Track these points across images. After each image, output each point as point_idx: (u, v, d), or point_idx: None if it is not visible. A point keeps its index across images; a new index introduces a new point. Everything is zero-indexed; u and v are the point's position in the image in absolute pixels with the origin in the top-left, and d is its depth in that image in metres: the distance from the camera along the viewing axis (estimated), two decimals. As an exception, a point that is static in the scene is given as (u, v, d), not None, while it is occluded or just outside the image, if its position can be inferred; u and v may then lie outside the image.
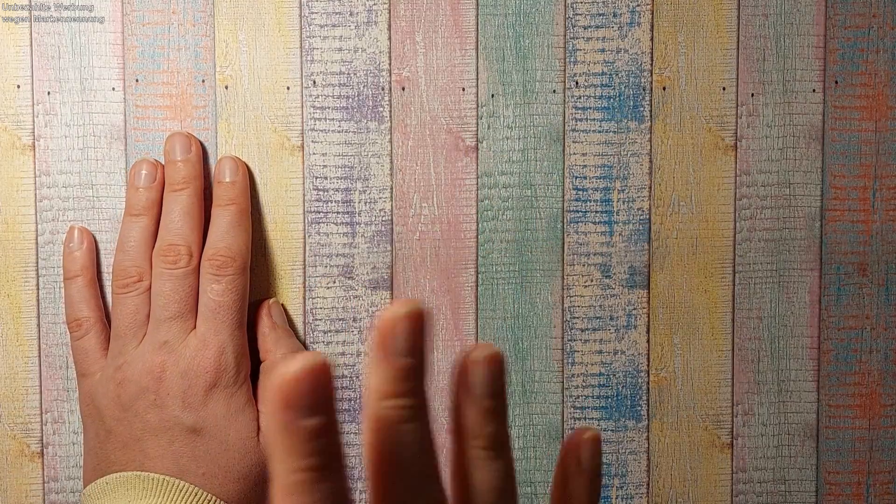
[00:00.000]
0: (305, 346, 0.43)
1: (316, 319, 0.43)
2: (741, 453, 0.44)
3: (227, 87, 0.43)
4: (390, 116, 0.43)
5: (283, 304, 0.42)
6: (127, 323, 0.38)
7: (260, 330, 0.41)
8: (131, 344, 0.38)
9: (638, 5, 0.42)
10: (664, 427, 0.44)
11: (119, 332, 0.38)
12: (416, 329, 0.20)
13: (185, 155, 0.40)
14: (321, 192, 0.43)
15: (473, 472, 0.24)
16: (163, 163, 0.41)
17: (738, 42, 0.43)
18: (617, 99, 0.43)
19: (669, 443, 0.44)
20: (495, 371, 0.23)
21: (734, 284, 0.43)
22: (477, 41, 0.43)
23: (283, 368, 0.19)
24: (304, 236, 0.43)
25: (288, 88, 0.43)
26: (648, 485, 0.44)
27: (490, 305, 0.43)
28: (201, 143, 0.41)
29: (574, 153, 0.43)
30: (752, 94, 0.43)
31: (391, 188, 0.43)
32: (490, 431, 0.24)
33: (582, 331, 0.43)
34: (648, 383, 0.44)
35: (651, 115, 0.43)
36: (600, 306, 0.43)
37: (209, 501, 0.36)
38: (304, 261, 0.43)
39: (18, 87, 0.42)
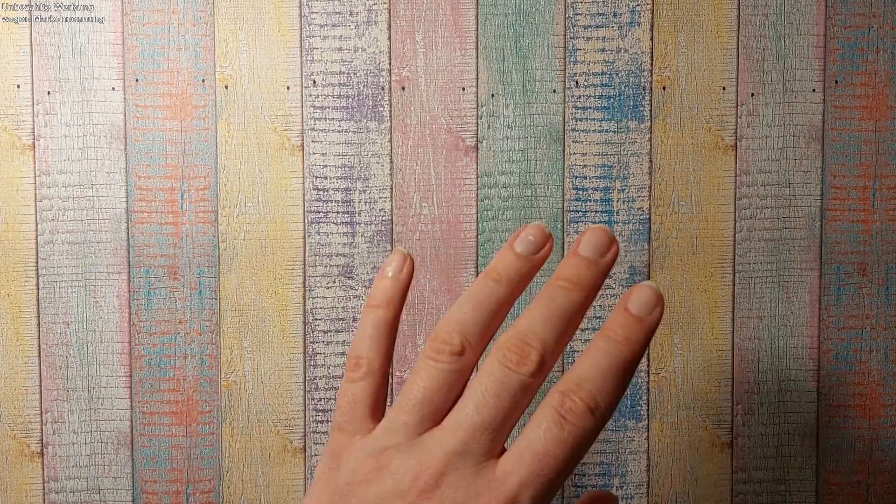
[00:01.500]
0: (304, 350, 0.43)
1: (316, 319, 0.43)
2: (741, 453, 0.44)
3: (227, 87, 0.43)
4: (390, 116, 0.43)
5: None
6: (421, 398, 0.29)
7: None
8: (413, 428, 0.29)
9: (638, 5, 0.42)
10: (664, 427, 0.44)
11: (406, 403, 0.30)
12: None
13: (598, 257, 0.31)
14: (321, 192, 0.43)
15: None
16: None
17: (738, 42, 0.43)
18: (617, 99, 0.43)
19: (669, 443, 0.44)
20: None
21: (734, 284, 0.43)
22: (477, 41, 0.43)
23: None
24: (304, 236, 0.43)
25: (288, 88, 0.43)
26: (648, 485, 0.44)
27: (490, 305, 0.43)
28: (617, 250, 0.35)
29: (574, 153, 0.43)
30: (752, 94, 0.43)
31: (391, 188, 0.43)
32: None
33: (582, 330, 0.43)
34: (648, 383, 0.44)
35: (651, 115, 0.43)
36: (600, 306, 0.43)
37: None
38: (304, 261, 0.43)
39: (18, 87, 0.42)
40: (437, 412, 0.30)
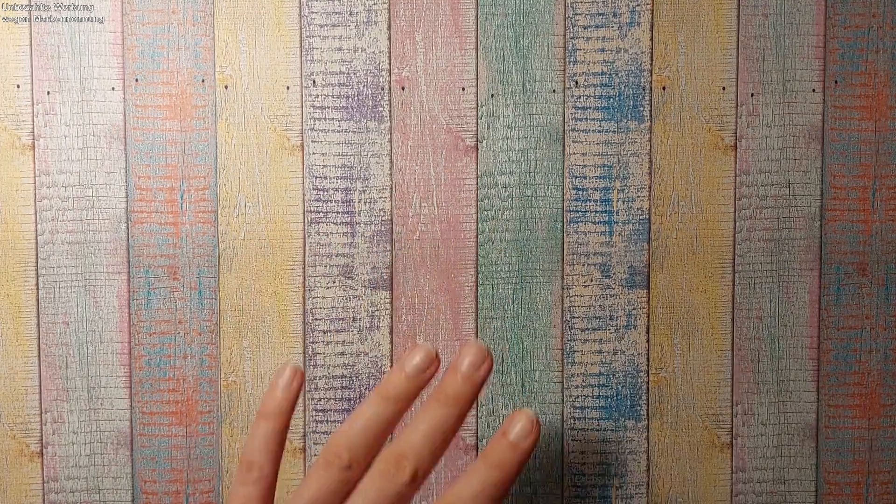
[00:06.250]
0: (304, 350, 0.43)
1: (316, 319, 0.43)
2: (741, 453, 0.44)
3: (226, 87, 0.43)
4: (390, 116, 0.43)
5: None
6: (312, 499, 0.35)
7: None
8: None
9: (638, 5, 0.42)
10: (664, 427, 0.44)
11: (299, 500, 0.35)
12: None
13: (474, 374, 0.35)
14: (321, 192, 0.43)
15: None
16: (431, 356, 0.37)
17: (738, 42, 0.43)
18: (617, 99, 0.43)
19: (669, 443, 0.44)
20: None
21: (734, 284, 0.43)
22: (477, 41, 0.43)
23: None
24: (304, 236, 0.43)
25: (288, 88, 0.43)
26: (648, 485, 0.44)
27: (490, 305, 0.43)
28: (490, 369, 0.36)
29: (574, 153, 0.43)
30: (752, 94, 0.43)
31: (391, 188, 0.43)
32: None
33: (582, 331, 0.43)
34: (648, 383, 0.44)
35: (651, 115, 0.43)
36: (600, 306, 0.43)
37: None
38: (304, 261, 0.43)
39: (18, 86, 0.42)
40: None
